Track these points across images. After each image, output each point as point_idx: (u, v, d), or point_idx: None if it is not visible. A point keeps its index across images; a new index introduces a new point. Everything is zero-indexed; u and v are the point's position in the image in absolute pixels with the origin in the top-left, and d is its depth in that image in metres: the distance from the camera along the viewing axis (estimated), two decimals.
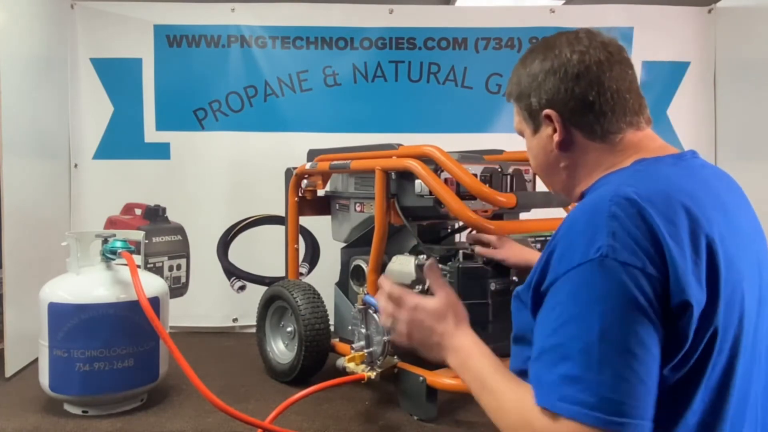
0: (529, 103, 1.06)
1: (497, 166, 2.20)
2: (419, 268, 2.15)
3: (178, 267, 3.40)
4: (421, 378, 2.10)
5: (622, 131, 1.02)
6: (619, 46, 1.05)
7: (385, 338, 2.06)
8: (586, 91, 1.01)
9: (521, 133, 1.14)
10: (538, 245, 2.39)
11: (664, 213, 0.84)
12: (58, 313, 2.11)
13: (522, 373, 0.97)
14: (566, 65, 1.02)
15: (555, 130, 1.04)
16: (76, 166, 3.34)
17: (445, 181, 2.06)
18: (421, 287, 2.14)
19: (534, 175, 2.39)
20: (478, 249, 2.04)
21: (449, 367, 1.07)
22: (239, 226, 3.40)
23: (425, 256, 2.15)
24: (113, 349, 2.13)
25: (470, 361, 1.02)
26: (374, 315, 2.10)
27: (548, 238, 2.49)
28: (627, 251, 0.81)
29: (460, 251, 2.08)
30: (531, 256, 1.92)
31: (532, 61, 1.07)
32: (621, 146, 1.02)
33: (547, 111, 1.03)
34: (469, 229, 2.40)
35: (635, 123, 1.03)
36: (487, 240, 2.05)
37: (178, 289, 3.38)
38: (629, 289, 0.80)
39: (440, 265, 2.08)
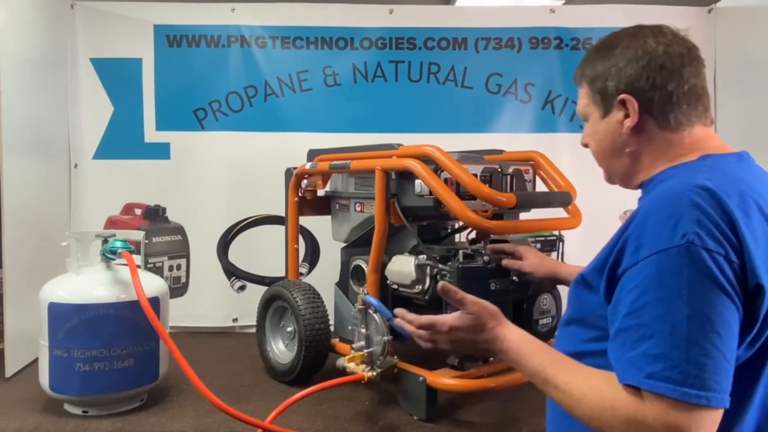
0: (605, 86, 1.10)
1: (497, 166, 2.20)
2: (419, 268, 2.15)
3: (178, 267, 3.40)
4: (421, 378, 2.10)
5: (691, 125, 1.07)
6: (695, 44, 1.11)
7: (385, 338, 2.06)
8: (667, 81, 1.06)
9: (585, 118, 1.17)
10: (538, 245, 2.39)
11: (739, 205, 0.89)
12: (58, 313, 2.11)
13: (577, 355, 1.03)
14: (651, 55, 1.06)
15: (627, 116, 1.08)
16: (76, 166, 3.34)
17: (445, 181, 2.06)
18: (421, 287, 2.14)
19: (534, 175, 2.39)
20: (506, 262, 1.94)
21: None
22: (239, 226, 3.40)
23: (425, 256, 2.15)
24: (113, 349, 2.13)
25: (524, 361, 1.06)
26: (374, 315, 2.10)
27: (548, 238, 2.50)
28: (711, 239, 0.86)
29: (460, 251, 2.08)
30: (555, 266, 1.86)
31: (612, 48, 1.11)
32: (688, 139, 1.07)
33: (624, 96, 1.07)
34: (469, 230, 2.40)
35: (702, 119, 1.09)
36: (510, 250, 1.96)
37: (178, 289, 3.38)
38: (714, 274, 0.85)
39: (440, 265, 2.08)
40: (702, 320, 0.84)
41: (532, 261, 1.89)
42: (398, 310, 1.26)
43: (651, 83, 1.06)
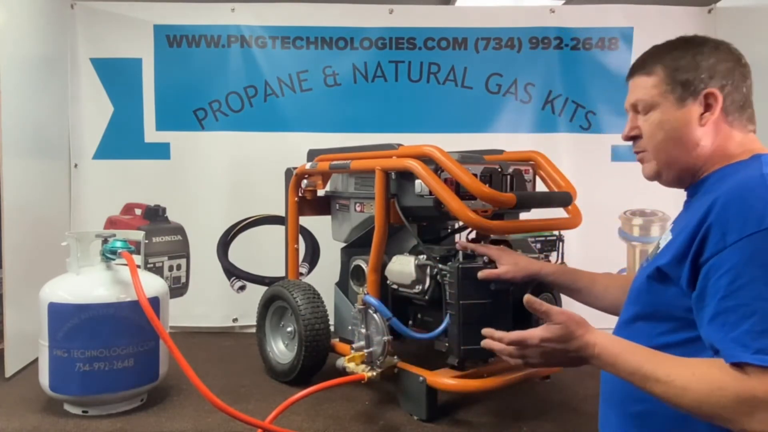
0: (692, 77, 1.16)
1: (497, 166, 2.20)
2: (419, 268, 2.15)
3: (178, 267, 3.40)
4: (421, 378, 2.10)
5: (751, 127, 1.17)
6: None
7: (385, 338, 2.06)
8: (743, 86, 1.18)
9: (648, 107, 1.20)
10: (538, 245, 2.39)
11: None
12: (58, 313, 2.11)
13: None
14: (735, 60, 1.20)
15: (707, 109, 1.15)
16: (76, 166, 3.34)
17: (445, 181, 2.06)
18: (421, 287, 2.14)
19: (534, 175, 2.39)
20: (482, 274, 1.91)
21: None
22: (239, 226, 3.40)
23: (425, 256, 2.15)
24: (113, 349, 2.13)
25: (620, 361, 1.07)
26: (374, 315, 2.10)
27: (548, 238, 2.50)
28: None
29: (460, 251, 2.08)
30: (529, 265, 1.85)
31: (699, 45, 1.19)
32: (746, 140, 1.15)
33: (711, 90, 1.15)
34: (469, 230, 2.40)
35: (754, 126, 1.19)
36: (482, 252, 1.97)
37: (178, 289, 3.38)
38: None
39: (440, 265, 2.08)
40: None
41: (508, 268, 1.87)
42: (486, 330, 1.26)
43: (735, 84, 1.16)
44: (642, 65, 1.25)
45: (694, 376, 0.95)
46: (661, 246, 1.15)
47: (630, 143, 1.30)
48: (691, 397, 0.95)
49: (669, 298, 1.06)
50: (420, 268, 2.15)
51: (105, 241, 2.24)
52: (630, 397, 1.10)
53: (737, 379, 0.90)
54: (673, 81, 1.17)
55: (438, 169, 2.08)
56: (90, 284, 2.17)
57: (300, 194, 2.70)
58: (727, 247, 0.95)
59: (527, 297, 1.17)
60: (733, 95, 1.16)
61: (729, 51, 1.20)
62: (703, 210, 1.01)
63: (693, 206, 1.14)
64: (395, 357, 2.17)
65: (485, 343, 1.26)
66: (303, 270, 3.34)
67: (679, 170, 1.19)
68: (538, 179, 2.42)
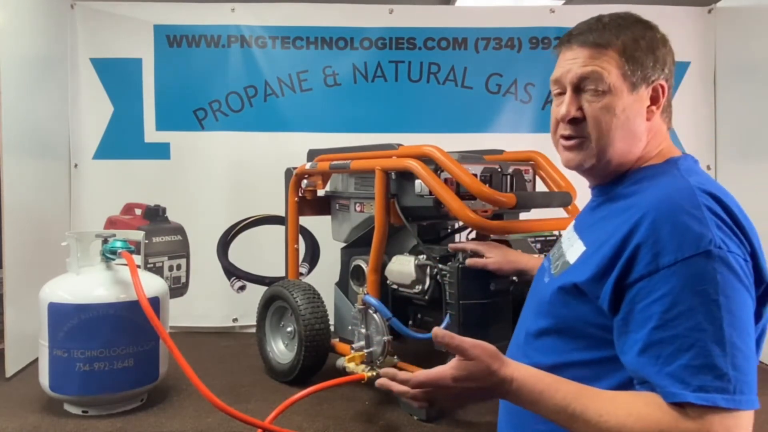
0: (648, 63, 1.03)
1: (497, 166, 2.20)
2: (419, 268, 2.15)
3: (178, 267, 3.40)
4: None
5: (670, 125, 1.09)
6: None
7: (385, 338, 2.06)
8: (672, 79, 1.08)
9: (596, 84, 1.02)
10: (538, 245, 2.39)
11: (736, 206, 0.90)
12: (58, 313, 2.11)
13: (556, 367, 0.97)
14: (671, 52, 1.08)
15: (652, 102, 1.04)
16: (76, 166, 3.34)
17: (445, 181, 2.06)
18: (421, 287, 2.14)
19: (534, 175, 2.39)
20: (469, 262, 1.93)
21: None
22: (239, 226, 3.40)
23: (425, 256, 2.15)
24: (113, 349, 2.13)
25: (543, 399, 0.93)
26: (374, 315, 2.10)
27: (548, 238, 2.50)
28: (731, 242, 0.85)
29: (460, 252, 2.08)
30: (518, 259, 1.83)
31: (652, 29, 1.07)
32: (665, 140, 1.07)
33: (662, 82, 1.04)
34: (469, 230, 2.40)
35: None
36: (473, 248, 1.96)
37: (178, 289, 3.38)
38: (741, 276, 0.84)
39: (440, 265, 2.08)
40: (738, 323, 0.82)
41: (495, 258, 1.87)
42: (386, 370, 1.04)
43: (672, 80, 1.07)
44: (598, 36, 1.03)
45: (630, 417, 0.85)
46: (567, 252, 1.04)
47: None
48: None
49: (584, 314, 0.96)
50: (420, 268, 2.15)
51: (105, 241, 2.24)
52: (534, 417, 0.97)
53: (678, 420, 0.82)
54: (632, 62, 1.02)
55: (438, 169, 2.08)
56: (90, 284, 2.17)
57: (300, 194, 2.70)
58: (660, 269, 0.85)
59: (435, 330, 0.98)
60: (670, 91, 1.06)
61: (668, 41, 1.07)
62: (628, 225, 0.90)
63: (611, 212, 1.01)
64: (395, 357, 2.17)
65: (379, 383, 1.03)
66: (303, 270, 3.34)
67: (616, 165, 1.05)
68: (538, 179, 2.42)
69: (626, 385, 0.92)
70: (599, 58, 1.03)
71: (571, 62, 1.04)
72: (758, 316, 0.89)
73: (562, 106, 1.05)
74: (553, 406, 0.92)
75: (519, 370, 0.96)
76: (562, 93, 1.06)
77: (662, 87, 1.03)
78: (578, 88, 1.04)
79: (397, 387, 1.01)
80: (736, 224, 0.87)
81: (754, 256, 0.87)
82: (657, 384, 0.84)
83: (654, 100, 1.03)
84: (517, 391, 0.95)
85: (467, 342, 0.97)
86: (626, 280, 0.89)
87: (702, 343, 0.82)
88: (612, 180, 1.06)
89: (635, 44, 1.03)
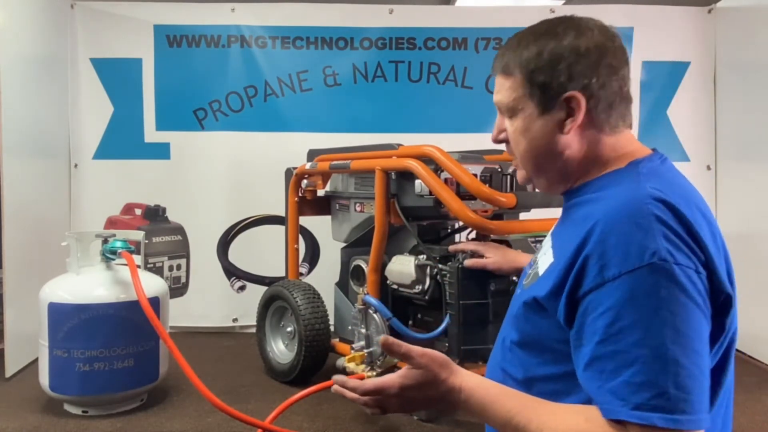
0: (550, 81, 0.97)
1: (497, 166, 2.20)
2: (419, 268, 2.15)
3: (178, 267, 3.40)
4: None
5: (626, 127, 1.00)
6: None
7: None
8: (613, 80, 0.97)
9: (513, 112, 1.03)
10: (538, 245, 2.39)
11: (691, 213, 0.85)
12: (58, 313, 2.11)
13: (528, 381, 0.97)
14: (600, 50, 0.97)
15: (569, 115, 0.97)
16: (76, 166, 3.34)
17: (445, 181, 2.06)
18: (421, 287, 2.14)
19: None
20: (468, 262, 1.94)
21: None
22: (239, 226, 3.40)
23: (425, 256, 2.15)
24: (113, 349, 2.13)
25: (490, 409, 0.94)
26: (374, 315, 2.10)
27: None
28: (680, 253, 0.81)
29: (460, 252, 2.08)
30: (516, 258, 1.83)
31: (556, 37, 0.99)
32: (618, 142, 0.99)
33: (572, 93, 0.96)
34: (469, 230, 2.40)
35: (629, 121, 1.01)
36: (472, 249, 1.97)
37: (178, 289, 3.38)
38: (688, 289, 0.80)
39: (440, 265, 2.08)
40: (682, 340, 0.79)
41: (494, 258, 1.87)
42: (337, 377, 1.06)
43: (601, 82, 0.96)
44: (500, 63, 1.04)
45: (569, 429, 0.85)
46: (539, 261, 1.03)
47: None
48: None
49: (547, 329, 0.94)
50: (420, 268, 2.15)
51: (105, 241, 2.24)
52: None
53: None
54: (531, 84, 0.98)
55: (438, 169, 2.08)
56: (90, 284, 2.17)
57: (300, 194, 2.70)
58: (605, 282, 0.83)
59: (383, 338, 0.99)
60: (598, 94, 0.96)
61: (594, 39, 0.98)
62: (580, 236, 0.88)
63: (572, 221, 0.99)
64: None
65: (333, 389, 1.05)
66: (303, 270, 3.34)
67: (549, 179, 1.04)
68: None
69: None
70: (506, 84, 1.03)
71: (495, 88, 1.06)
72: (721, 328, 0.85)
73: (494, 130, 1.09)
74: (499, 418, 0.92)
75: (468, 381, 0.96)
76: None
77: (575, 98, 0.96)
78: (502, 112, 1.06)
79: (348, 394, 1.02)
80: (690, 234, 0.83)
81: (709, 266, 0.83)
82: (597, 400, 0.83)
83: (569, 113, 0.97)
84: (466, 402, 0.95)
85: (415, 350, 0.96)
86: (577, 294, 0.87)
87: (643, 359, 0.79)
88: (575, 188, 1.03)
89: (537, 62, 0.98)
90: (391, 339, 0.98)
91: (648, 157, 0.98)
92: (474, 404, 0.94)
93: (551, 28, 1.01)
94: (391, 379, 0.99)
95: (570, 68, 0.96)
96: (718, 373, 0.88)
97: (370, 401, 1.01)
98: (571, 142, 0.98)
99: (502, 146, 1.13)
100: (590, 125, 0.98)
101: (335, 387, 1.05)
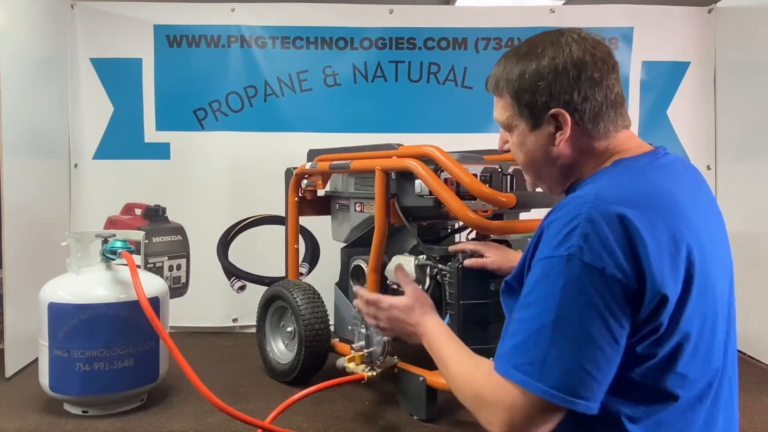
0: (534, 101, 1.06)
1: (497, 166, 2.20)
2: (419, 268, 2.15)
3: (178, 267, 3.40)
4: (421, 378, 2.10)
5: (617, 130, 1.07)
6: (609, 48, 1.10)
7: (385, 338, 2.06)
8: (596, 92, 1.04)
9: (508, 128, 1.15)
10: None
11: (644, 215, 0.92)
12: (58, 313, 2.11)
13: None
14: (579, 65, 1.04)
15: (557, 129, 1.06)
16: (76, 166, 3.34)
17: (445, 181, 2.06)
18: (421, 287, 2.14)
19: None
20: (468, 262, 1.96)
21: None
22: (239, 226, 3.40)
23: (425, 256, 2.15)
24: (113, 349, 2.13)
25: (434, 342, 1.20)
26: None
27: None
28: (592, 254, 0.90)
29: (460, 253, 2.08)
30: (516, 258, 1.88)
31: (536, 57, 1.07)
32: (610, 145, 1.07)
33: (555, 110, 1.05)
34: (469, 230, 2.40)
35: (626, 122, 1.09)
36: (472, 249, 1.99)
37: (178, 289, 3.38)
38: (586, 287, 0.90)
39: (440, 265, 2.08)
40: (565, 328, 0.89)
41: (494, 258, 1.91)
42: (358, 288, 1.44)
43: (583, 95, 1.04)
44: (491, 84, 1.16)
45: (468, 371, 1.06)
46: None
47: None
48: (454, 384, 1.08)
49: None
50: (420, 268, 2.15)
51: (105, 241, 2.24)
52: None
53: (488, 382, 0.97)
54: (519, 104, 1.09)
55: (438, 169, 2.08)
56: (90, 284, 2.17)
57: (300, 194, 2.70)
58: (535, 264, 0.96)
59: (397, 264, 1.30)
60: (583, 107, 1.04)
61: (571, 55, 1.05)
62: (542, 226, 1.01)
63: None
64: (395, 357, 2.17)
65: (355, 290, 1.45)
66: (303, 270, 3.34)
67: (549, 184, 1.17)
68: None
69: None
70: (499, 103, 1.15)
71: (494, 105, 1.18)
72: (655, 325, 0.91)
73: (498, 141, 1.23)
74: (435, 349, 1.18)
75: (431, 321, 1.24)
76: None
77: (561, 114, 1.04)
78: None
79: (359, 300, 1.40)
80: (624, 235, 0.90)
81: (640, 270, 0.89)
82: (496, 356, 0.98)
83: (558, 127, 1.06)
84: (423, 334, 1.24)
85: (412, 285, 1.32)
86: (526, 274, 1.00)
87: (530, 331, 0.92)
88: (573, 185, 1.14)
89: (520, 83, 1.08)
90: (404, 270, 1.32)
91: (634, 157, 1.06)
92: (426, 338, 1.22)
93: (531, 48, 1.09)
94: (386, 297, 1.34)
95: (550, 87, 1.05)
96: (666, 366, 0.94)
97: (369, 310, 1.38)
98: (564, 151, 1.09)
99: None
100: (580, 134, 1.07)
101: (356, 289, 1.48)
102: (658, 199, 0.96)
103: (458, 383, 1.07)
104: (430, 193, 2.06)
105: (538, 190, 1.26)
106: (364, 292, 1.39)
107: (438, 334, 1.21)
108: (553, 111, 1.05)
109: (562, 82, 1.04)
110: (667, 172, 1.04)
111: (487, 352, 1.71)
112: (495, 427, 0.95)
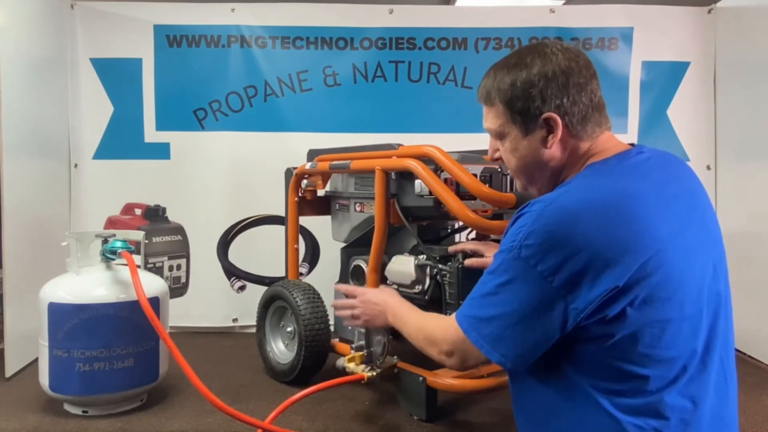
0: (527, 107, 1.16)
1: (497, 166, 2.20)
2: (419, 268, 2.15)
3: (178, 267, 3.40)
4: (421, 378, 2.10)
5: (601, 132, 1.19)
6: (586, 54, 1.23)
7: (385, 338, 2.06)
8: (582, 96, 1.15)
9: (500, 136, 1.25)
10: None
11: (597, 218, 1.05)
12: (58, 313, 2.11)
13: None
14: (566, 72, 1.15)
15: (549, 132, 1.17)
16: (76, 166, 3.34)
17: (445, 181, 2.06)
18: (421, 287, 2.15)
19: None
20: (468, 262, 1.97)
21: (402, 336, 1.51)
22: (239, 226, 3.40)
23: (425, 256, 2.15)
24: (113, 349, 2.13)
25: (397, 311, 1.54)
26: None
27: None
28: (530, 250, 1.07)
29: (459, 253, 2.08)
30: None
31: (525, 67, 1.17)
32: (595, 145, 1.18)
33: (548, 114, 1.15)
34: (469, 230, 2.40)
35: (607, 125, 1.21)
36: (472, 249, 2.00)
37: (178, 289, 3.38)
38: (518, 276, 1.09)
39: (440, 265, 2.08)
40: (497, 299, 1.12)
41: (492, 257, 1.90)
42: (338, 285, 1.87)
43: (571, 100, 1.15)
44: (482, 95, 1.25)
45: (428, 321, 1.36)
46: None
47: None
48: (411, 332, 1.41)
49: None
50: (420, 268, 2.15)
51: (105, 241, 2.24)
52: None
53: (436, 324, 1.29)
54: (512, 111, 1.19)
55: (438, 169, 2.08)
56: (90, 284, 2.17)
57: (300, 194, 2.70)
58: (497, 254, 1.16)
59: (337, 286, 1.68)
60: (572, 110, 1.15)
61: (559, 62, 1.15)
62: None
63: None
64: (395, 357, 2.17)
65: (336, 287, 1.82)
66: (303, 270, 3.34)
67: (539, 187, 1.26)
68: None
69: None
70: (491, 113, 1.25)
71: (483, 115, 1.29)
72: (603, 312, 1.05)
73: (489, 150, 1.35)
74: (400, 319, 1.51)
75: (394, 299, 1.60)
76: None
77: (552, 118, 1.15)
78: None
79: (340, 302, 1.76)
80: (566, 235, 1.04)
81: (589, 263, 1.03)
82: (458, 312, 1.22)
83: (549, 130, 1.17)
84: (390, 311, 1.57)
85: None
86: None
87: (478, 297, 1.17)
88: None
89: (513, 91, 1.18)
90: (343, 286, 1.72)
91: (604, 159, 1.17)
92: (392, 311, 1.56)
93: (520, 59, 1.18)
94: (360, 287, 1.76)
95: (542, 93, 1.15)
96: (628, 347, 1.06)
97: (346, 304, 1.71)
98: (555, 153, 1.19)
99: None
100: (570, 136, 1.17)
101: (336, 286, 1.90)
102: (621, 199, 1.07)
103: (414, 331, 1.39)
104: (430, 193, 2.06)
105: None
106: (342, 286, 1.78)
107: (400, 305, 1.55)
108: (545, 115, 1.15)
109: (552, 88, 1.14)
110: (633, 172, 1.14)
111: None
112: (442, 356, 1.25)
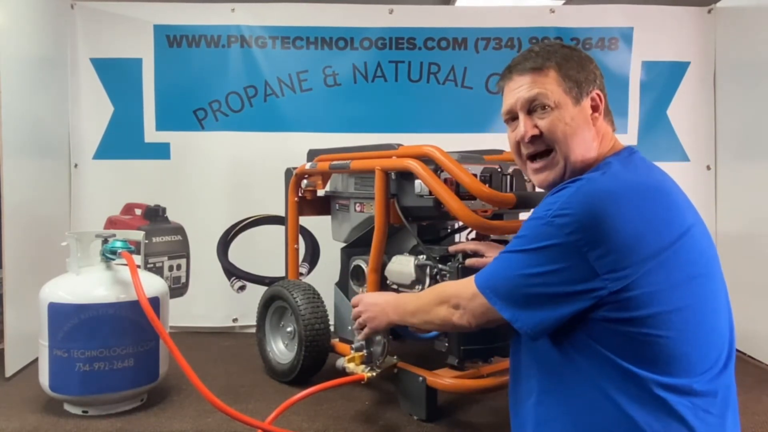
0: (582, 78, 1.24)
1: (497, 166, 2.20)
2: (419, 268, 2.15)
3: (178, 267, 3.40)
4: (421, 378, 2.10)
5: (613, 128, 1.31)
6: None
7: (385, 339, 2.06)
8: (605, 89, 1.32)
9: (555, 104, 1.24)
10: None
11: (601, 206, 1.10)
12: (58, 313, 2.11)
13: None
14: (599, 69, 1.30)
15: (594, 110, 1.26)
16: (76, 166, 3.34)
17: (445, 181, 2.06)
18: (421, 287, 2.14)
19: None
20: (469, 262, 1.97)
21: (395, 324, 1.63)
22: (239, 226, 3.40)
23: (425, 256, 2.15)
24: (113, 349, 2.13)
25: (399, 300, 1.58)
26: None
27: None
28: (566, 219, 1.11)
29: (459, 253, 2.08)
30: None
31: (578, 51, 1.29)
32: (613, 138, 1.29)
33: (597, 91, 1.26)
34: (469, 230, 2.40)
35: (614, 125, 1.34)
36: (473, 249, 2.01)
37: (178, 289, 3.38)
38: (546, 241, 1.13)
39: (440, 265, 2.08)
40: (518, 257, 1.18)
41: (493, 257, 1.90)
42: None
43: (603, 86, 1.29)
44: (534, 63, 1.26)
45: (425, 295, 1.44)
46: None
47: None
48: (420, 307, 1.43)
49: None
50: (420, 268, 2.15)
51: (105, 241, 2.24)
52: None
53: (449, 284, 1.44)
54: (569, 79, 1.24)
55: (438, 169, 2.08)
56: (90, 284, 2.17)
57: (300, 194, 2.70)
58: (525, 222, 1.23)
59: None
60: (605, 95, 1.28)
61: (594, 61, 1.31)
62: None
63: None
64: (395, 357, 2.17)
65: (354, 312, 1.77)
66: (303, 270, 3.34)
67: (578, 170, 1.26)
68: None
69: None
70: (540, 80, 1.25)
71: (517, 90, 1.27)
72: (623, 277, 1.09)
73: (519, 128, 1.28)
74: (403, 305, 1.54)
75: (393, 295, 1.66)
76: (515, 118, 1.29)
77: (599, 95, 1.26)
78: (529, 110, 1.26)
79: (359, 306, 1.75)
80: (586, 221, 1.09)
81: (602, 242, 1.08)
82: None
83: (594, 108, 1.25)
84: (392, 306, 1.59)
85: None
86: None
87: (500, 263, 1.23)
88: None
89: (567, 63, 1.24)
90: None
91: (619, 151, 1.26)
92: (393, 303, 1.59)
93: (565, 44, 1.31)
94: (357, 295, 1.79)
95: (593, 71, 1.26)
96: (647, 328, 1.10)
97: (353, 315, 1.76)
98: (597, 132, 1.25)
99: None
100: (604, 118, 1.27)
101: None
102: (622, 195, 1.12)
103: (421, 301, 1.43)
104: (430, 193, 2.06)
105: (539, 190, 1.37)
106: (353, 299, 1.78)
107: (399, 296, 1.63)
108: (594, 92, 1.25)
109: (597, 71, 1.27)
110: (643, 166, 1.23)
111: (488, 352, 1.72)
112: (451, 311, 1.30)
